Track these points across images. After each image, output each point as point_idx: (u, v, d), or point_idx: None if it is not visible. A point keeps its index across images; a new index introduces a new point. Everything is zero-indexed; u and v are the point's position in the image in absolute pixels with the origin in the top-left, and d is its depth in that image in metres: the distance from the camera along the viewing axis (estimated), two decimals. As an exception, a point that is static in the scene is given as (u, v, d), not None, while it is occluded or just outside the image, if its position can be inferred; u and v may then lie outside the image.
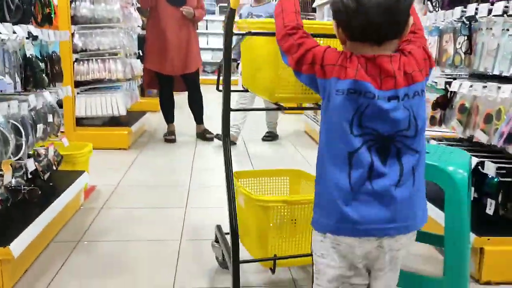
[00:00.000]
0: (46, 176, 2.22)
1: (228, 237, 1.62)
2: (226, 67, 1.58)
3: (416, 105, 1.02)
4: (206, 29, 11.19)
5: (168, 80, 4.31)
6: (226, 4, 11.10)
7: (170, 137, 4.35)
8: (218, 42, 11.17)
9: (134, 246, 2.14)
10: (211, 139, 4.37)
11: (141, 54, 4.75)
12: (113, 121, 4.13)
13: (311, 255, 1.16)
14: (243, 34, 1.58)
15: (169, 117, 4.47)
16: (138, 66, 4.60)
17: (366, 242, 1.03)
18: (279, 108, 1.59)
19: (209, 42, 11.26)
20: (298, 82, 1.15)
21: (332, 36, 1.30)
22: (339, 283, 1.08)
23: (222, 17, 11.23)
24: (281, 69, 1.46)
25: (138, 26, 4.69)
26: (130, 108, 4.47)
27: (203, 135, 4.43)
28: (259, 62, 1.61)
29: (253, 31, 1.55)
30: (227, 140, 1.64)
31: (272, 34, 1.25)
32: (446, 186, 1.49)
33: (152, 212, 2.55)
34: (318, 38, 1.36)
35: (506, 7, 1.73)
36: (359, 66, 1.00)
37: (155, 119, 5.32)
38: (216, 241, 1.90)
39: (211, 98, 4.47)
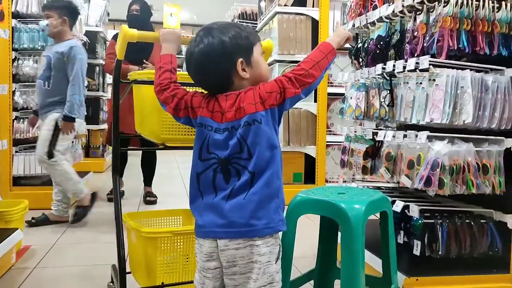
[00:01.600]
0: (-26, 233, 2.12)
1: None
2: (115, 113, 1.80)
3: (245, 133, 1.25)
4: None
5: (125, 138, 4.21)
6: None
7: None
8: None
9: (67, 304, 2.05)
10: (153, 202, 4.15)
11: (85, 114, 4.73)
12: (51, 181, 4.03)
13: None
14: (129, 82, 1.80)
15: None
16: (82, 125, 4.56)
17: (207, 242, 1.28)
18: (166, 147, 1.81)
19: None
20: (181, 125, 1.41)
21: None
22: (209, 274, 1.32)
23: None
24: (166, 114, 1.58)
25: (85, 86, 4.71)
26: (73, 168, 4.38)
27: (145, 198, 4.24)
28: (147, 108, 1.79)
29: (138, 79, 1.76)
30: (117, 178, 1.78)
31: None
32: (341, 222, 1.58)
33: (92, 270, 2.46)
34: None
35: (417, 63, 1.93)
36: (207, 105, 1.30)
37: (99, 179, 5.22)
38: (112, 281, 1.93)
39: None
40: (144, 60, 3.74)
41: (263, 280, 1.28)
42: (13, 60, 3.73)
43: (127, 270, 1.82)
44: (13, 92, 3.75)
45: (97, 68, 6.31)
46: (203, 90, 1.40)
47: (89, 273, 2.41)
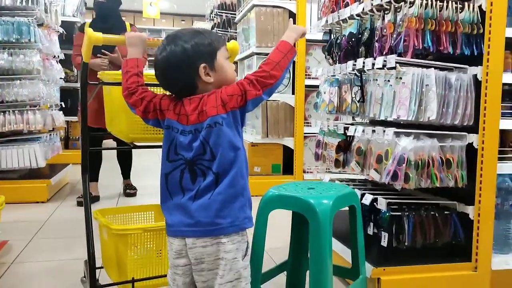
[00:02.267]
0: (-51, 230, 2.13)
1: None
2: (83, 113, 1.85)
3: (209, 134, 1.32)
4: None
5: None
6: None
7: (81, 199, 3.78)
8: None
9: (44, 299, 2.08)
10: (132, 195, 4.14)
11: (63, 106, 4.71)
12: (32, 174, 4.02)
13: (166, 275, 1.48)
14: (97, 84, 1.85)
15: (92, 175, 3.92)
16: (60, 117, 4.54)
17: (176, 241, 1.36)
18: (135, 146, 1.89)
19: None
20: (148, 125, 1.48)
21: None
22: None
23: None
24: (133, 114, 1.62)
25: (61, 78, 4.68)
26: (51, 161, 4.37)
27: (124, 190, 4.22)
28: (115, 108, 1.84)
29: (105, 81, 1.81)
30: (86, 177, 1.85)
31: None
32: (309, 217, 1.65)
33: (68, 265, 2.49)
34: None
35: (384, 61, 1.99)
36: (172, 107, 1.37)
37: (79, 171, 5.20)
38: (85, 276, 2.00)
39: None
40: (116, 48, 3.55)
41: (230, 276, 1.34)
42: (-13, 54, 3.68)
43: (99, 265, 1.87)
44: (-12, 86, 3.72)
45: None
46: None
47: (65, 268, 2.44)
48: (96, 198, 3.90)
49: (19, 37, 3.73)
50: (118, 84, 1.73)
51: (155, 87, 1.60)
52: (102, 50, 3.48)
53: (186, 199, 1.34)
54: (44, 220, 3.33)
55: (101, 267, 1.98)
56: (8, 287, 2.19)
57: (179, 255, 1.36)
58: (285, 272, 2.15)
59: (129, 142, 1.87)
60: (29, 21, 3.77)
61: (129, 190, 4.18)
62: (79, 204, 3.75)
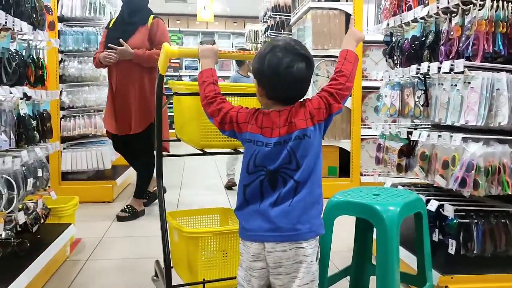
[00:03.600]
0: (34, 229, 2.30)
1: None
2: (158, 122, 1.92)
3: (296, 146, 1.37)
4: (190, 83, 11.43)
5: (123, 141, 3.57)
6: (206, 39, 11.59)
7: (123, 214, 3.49)
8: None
9: (119, 295, 2.21)
10: (122, 219, 3.48)
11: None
12: (98, 175, 4.24)
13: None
14: (170, 95, 1.92)
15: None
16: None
17: (254, 245, 1.39)
18: (205, 153, 1.94)
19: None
20: (218, 132, 1.53)
21: (242, 94, 1.83)
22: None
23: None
24: (205, 122, 1.68)
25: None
26: (115, 162, 4.59)
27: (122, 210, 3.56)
28: (187, 116, 1.91)
29: (178, 92, 1.89)
30: (161, 182, 1.91)
31: (195, 94, 1.63)
32: (376, 224, 1.65)
33: (135, 263, 2.62)
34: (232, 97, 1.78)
35: (452, 65, 1.96)
36: (255, 121, 1.41)
37: (132, 173, 5.42)
38: (156, 275, 2.07)
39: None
40: (120, 40, 3.30)
41: (307, 278, 1.39)
42: (59, 62, 3.92)
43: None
44: (60, 92, 3.96)
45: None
46: (247, 106, 1.51)
47: (135, 266, 2.57)
48: (141, 213, 3.62)
49: (87, 45, 3.95)
50: (189, 94, 1.82)
51: (231, 97, 1.67)
52: (109, 45, 3.32)
53: (265, 205, 1.37)
54: (112, 219, 3.51)
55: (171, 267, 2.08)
56: (84, 283, 2.34)
57: (256, 258, 1.40)
58: (348, 277, 2.16)
59: (200, 149, 1.93)
60: (96, 31, 3.99)
61: (121, 213, 3.52)
62: (119, 219, 3.48)
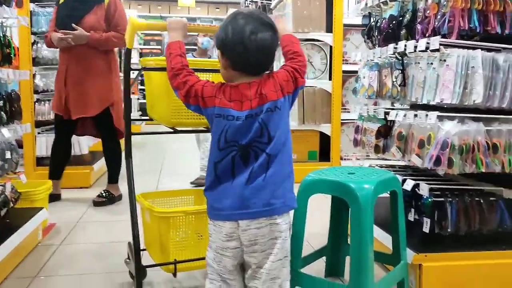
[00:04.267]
0: (2, 212, 2.23)
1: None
2: (126, 100, 1.85)
3: (267, 118, 1.34)
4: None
5: (69, 123, 3.38)
6: (190, 46, 11.50)
7: (100, 199, 3.41)
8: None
9: (91, 279, 2.16)
10: (99, 204, 3.39)
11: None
12: (75, 161, 4.14)
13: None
14: (139, 70, 1.88)
15: (56, 171, 3.48)
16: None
17: (227, 224, 1.35)
18: (176, 131, 1.89)
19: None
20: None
21: (211, 70, 1.76)
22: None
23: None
24: (175, 99, 1.61)
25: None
26: (93, 148, 4.51)
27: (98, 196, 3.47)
28: (156, 93, 1.85)
29: (147, 67, 1.83)
30: (130, 160, 1.86)
31: (164, 70, 1.54)
32: (351, 202, 1.64)
33: (111, 247, 2.58)
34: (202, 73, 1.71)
35: (427, 43, 1.94)
36: (223, 95, 1.35)
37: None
38: (129, 258, 2.05)
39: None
40: (73, 24, 3.16)
41: (281, 254, 1.39)
42: (32, 44, 3.81)
43: (142, 247, 1.93)
44: (34, 76, 3.85)
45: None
46: (213, 80, 1.47)
47: (109, 249, 2.53)
48: (57, 197, 3.46)
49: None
50: (159, 69, 1.77)
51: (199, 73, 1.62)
52: (62, 31, 3.16)
53: (238, 182, 1.34)
54: (89, 204, 3.44)
55: (144, 249, 2.04)
56: (56, 267, 2.29)
57: (230, 237, 1.37)
58: (324, 257, 2.15)
59: (171, 127, 1.90)
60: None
61: (98, 198, 3.44)
62: (96, 204, 3.40)
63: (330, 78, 4.39)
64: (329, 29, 4.35)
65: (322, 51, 4.39)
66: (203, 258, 1.82)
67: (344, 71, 4.38)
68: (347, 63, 4.43)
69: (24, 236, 2.29)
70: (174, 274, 1.83)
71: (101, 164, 4.45)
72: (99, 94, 3.27)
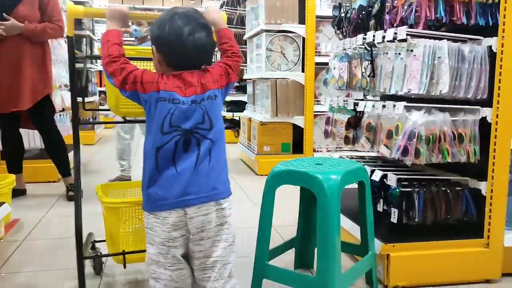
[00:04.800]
0: (-40, 208, 2.14)
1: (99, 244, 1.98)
2: (72, 89, 1.82)
3: (209, 106, 1.40)
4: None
5: (10, 117, 3.25)
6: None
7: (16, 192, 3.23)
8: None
9: (54, 275, 2.10)
10: (72, 198, 3.30)
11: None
12: (43, 154, 4.03)
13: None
14: (83, 58, 1.87)
15: (12, 165, 3.39)
16: (69, 98, 4.54)
17: (173, 213, 1.35)
18: (126, 121, 1.91)
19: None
20: None
21: (147, 59, 1.74)
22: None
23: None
24: None
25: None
26: (61, 140, 4.38)
27: (67, 192, 3.41)
28: (107, 83, 1.80)
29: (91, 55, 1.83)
30: (78, 150, 1.87)
31: None
32: (317, 192, 1.63)
33: (73, 241, 2.50)
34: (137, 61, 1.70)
35: (395, 33, 1.93)
36: (167, 80, 1.37)
37: (89, 151, 5.24)
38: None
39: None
40: (4, 14, 3.02)
41: (230, 239, 1.44)
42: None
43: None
44: None
45: (84, 40, 6.24)
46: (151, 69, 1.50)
47: (73, 244, 2.45)
48: (21, 192, 3.41)
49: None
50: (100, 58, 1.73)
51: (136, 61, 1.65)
52: (4, 14, 3.02)
53: (184, 169, 1.34)
54: (56, 199, 3.35)
55: (104, 241, 2.01)
56: (18, 263, 2.21)
57: (176, 227, 1.37)
58: (293, 249, 2.14)
59: (121, 116, 1.87)
60: None
61: (71, 192, 3.40)
62: (70, 199, 3.34)
63: (303, 70, 4.38)
64: (301, 20, 4.34)
65: (295, 42, 4.37)
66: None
67: (317, 63, 4.37)
68: (320, 55, 4.43)
69: (-16, 232, 2.20)
70: (124, 265, 1.82)
71: (71, 157, 4.35)
72: (31, 87, 3.15)
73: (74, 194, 1.81)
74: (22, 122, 3.36)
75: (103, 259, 2.13)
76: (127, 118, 1.89)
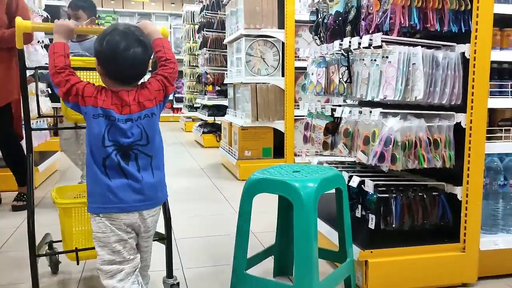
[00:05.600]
0: None
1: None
2: (24, 99, 1.86)
3: (146, 123, 1.52)
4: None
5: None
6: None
7: (19, 203, 3.26)
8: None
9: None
10: (19, 208, 3.26)
11: (50, 92, 4.62)
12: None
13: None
14: (32, 69, 1.95)
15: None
16: (47, 104, 4.46)
17: (130, 216, 1.52)
18: (77, 127, 2.00)
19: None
20: None
21: (91, 69, 1.83)
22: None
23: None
24: None
25: (46, 63, 4.57)
26: (38, 148, 4.31)
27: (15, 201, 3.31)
28: None
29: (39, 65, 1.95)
30: (31, 156, 1.87)
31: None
32: (294, 200, 1.63)
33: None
34: (81, 71, 1.81)
35: (370, 39, 1.94)
36: (106, 97, 1.49)
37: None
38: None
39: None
40: None
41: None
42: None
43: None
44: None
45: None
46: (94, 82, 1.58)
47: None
48: None
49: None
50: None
51: (81, 71, 1.76)
52: None
53: (132, 180, 1.51)
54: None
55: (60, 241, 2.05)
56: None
57: (131, 227, 1.55)
58: (273, 256, 2.13)
59: (73, 122, 1.96)
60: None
61: (16, 202, 3.29)
62: (15, 209, 3.26)
63: (283, 75, 4.39)
64: (281, 25, 4.35)
65: (274, 47, 4.37)
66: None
67: (296, 68, 4.38)
68: (300, 60, 4.43)
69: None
70: (77, 262, 1.92)
71: (47, 165, 4.28)
72: None
73: (27, 198, 1.86)
74: None
75: (60, 259, 2.21)
76: (78, 124, 1.97)
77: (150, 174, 1.54)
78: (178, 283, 1.91)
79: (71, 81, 1.49)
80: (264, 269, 2.10)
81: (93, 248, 1.79)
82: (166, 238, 1.92)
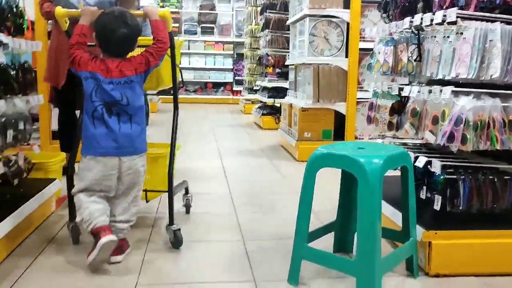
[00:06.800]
0: (15, 182, 2.27)
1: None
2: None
3: (125, 88, 1.95)
4: (188, 49, 11.36)
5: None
6: (208, 25, 11.44)
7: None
8: (200, 62, 11.39)
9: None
10: None
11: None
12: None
13: (166, 191, 2.19)
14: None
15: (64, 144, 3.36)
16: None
17: (113, 159, 1.95)
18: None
19: (191, 62, 11.44)
20: None
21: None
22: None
23: (204, 38, 11.42)
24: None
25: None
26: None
27: None
28: None
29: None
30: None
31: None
32: (359, 176, 1.61)
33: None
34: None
35: (444, 15, 1.87)
36: (95, 64, 1.93)
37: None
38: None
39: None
40: None
41: (140, 187, 2.07)
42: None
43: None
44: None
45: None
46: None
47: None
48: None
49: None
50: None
51: None
52: None
53: (111, 130, 1.92)
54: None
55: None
56: (67, 238, 2.32)
57: (113, 167, 1.94)
58: (332, 233, 2.14)
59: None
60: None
61: None
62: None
63: (346, 56, 4.32)
64: (346, 5, 4.26)
65: (339, 28, 4.31)
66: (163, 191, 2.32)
67: (361, 49, 4.29)
68: (364, 41, 4.34)
69: (37, 205, 2.33)
70: (146, 200, 2.34)
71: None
72: None
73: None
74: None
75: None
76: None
77: (128, 127, 1.94)
78: (179, 229, 2.16)
79: (74, 54, 1.95)
80: (324, 245, 2.12)
81: (159, 191, 2.33)
82: (168, 191, 2.18)
